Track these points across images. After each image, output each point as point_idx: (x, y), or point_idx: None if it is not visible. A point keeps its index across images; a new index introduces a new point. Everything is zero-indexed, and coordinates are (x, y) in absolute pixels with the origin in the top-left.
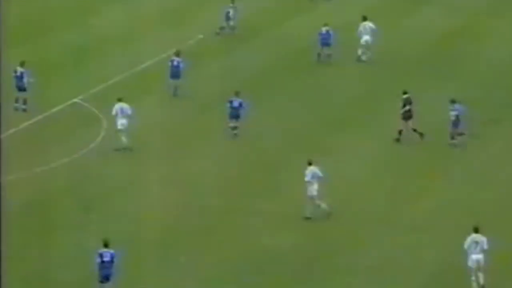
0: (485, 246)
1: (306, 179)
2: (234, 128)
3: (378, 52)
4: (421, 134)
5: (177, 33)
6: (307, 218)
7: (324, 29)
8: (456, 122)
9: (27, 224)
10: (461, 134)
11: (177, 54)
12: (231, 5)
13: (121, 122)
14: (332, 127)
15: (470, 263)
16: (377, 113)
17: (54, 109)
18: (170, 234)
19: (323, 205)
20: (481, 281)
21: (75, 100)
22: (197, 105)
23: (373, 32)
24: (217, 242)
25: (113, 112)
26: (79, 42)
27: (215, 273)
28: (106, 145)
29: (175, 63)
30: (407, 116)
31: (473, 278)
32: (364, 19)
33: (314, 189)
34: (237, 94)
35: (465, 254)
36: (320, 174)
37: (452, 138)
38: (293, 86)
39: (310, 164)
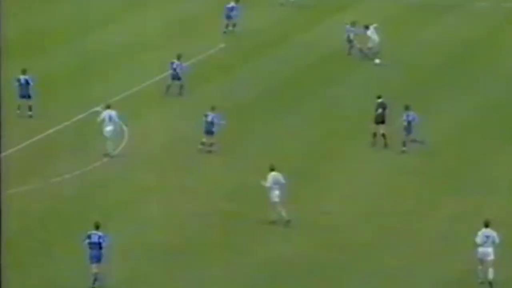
0: (497, 240)
1: (268, 184)
2: (203, 143)
3: (397, 60)
4: (385, 144)
5: (198, 43)
6: (273, 222)
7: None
8: (408, 128)
9: (40, 234)
10: (414, 141)
11: (178, 57)
12: (233, 4)
13: (109, 129)
14: (348, 136)
15: (478, 255)
16: (392, 124)
17: (74, 119)
18: (185, 241)
19: (283, 213)
20: (490, 276)
21: (95, 109)
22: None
23: (375, 40)
24: (233, 249)
25: (101, 118)
26: (95, 51)
27: (232, 280)
28: (124, 154)
29: (174, 66)
30: (379, 120)
31: (480, 267)
32: (366, 27)
33: (276, 195)
34: (212, 109)
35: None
36: (282, 180)
37: (404, 145)
38: (312, 95)
39: (272, 170)
